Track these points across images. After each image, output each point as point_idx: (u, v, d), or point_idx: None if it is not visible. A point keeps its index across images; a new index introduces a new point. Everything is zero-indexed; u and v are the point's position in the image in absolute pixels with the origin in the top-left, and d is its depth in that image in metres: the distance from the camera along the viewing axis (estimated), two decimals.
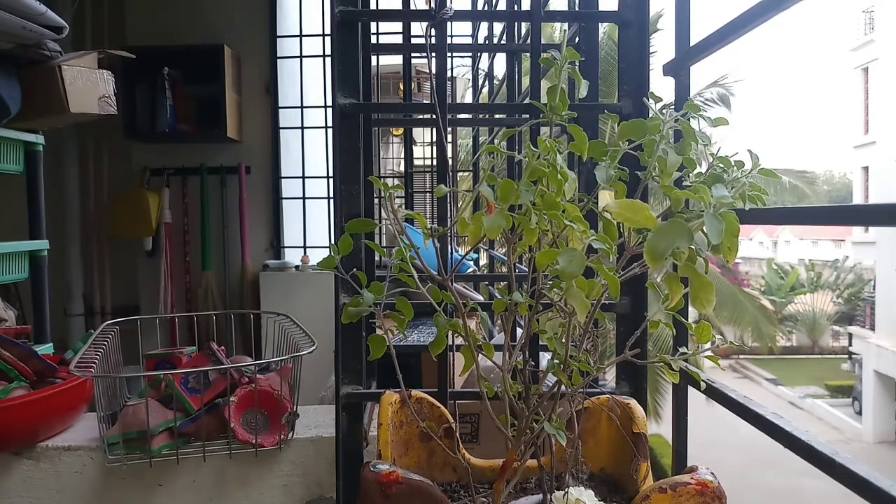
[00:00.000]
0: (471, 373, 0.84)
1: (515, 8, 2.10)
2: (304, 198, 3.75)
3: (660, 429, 9.51)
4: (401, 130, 4.50)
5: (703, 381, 0.92)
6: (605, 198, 0.77)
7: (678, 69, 1.13)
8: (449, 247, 1.38)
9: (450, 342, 0.88)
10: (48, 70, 1.64)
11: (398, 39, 3.10)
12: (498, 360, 0.85)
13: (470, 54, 3.91)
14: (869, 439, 15.65)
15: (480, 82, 3.52)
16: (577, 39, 1.44)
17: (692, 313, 1.00)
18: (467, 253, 1.00)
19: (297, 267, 3.52)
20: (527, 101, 1.18)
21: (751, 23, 0.92)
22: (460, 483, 0.96)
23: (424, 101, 3.59)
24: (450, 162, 2.74)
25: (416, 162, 3.99)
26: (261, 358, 1.55)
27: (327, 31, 3.67)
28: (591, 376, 0.80)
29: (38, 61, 1.64)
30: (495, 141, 2.66)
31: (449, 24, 1.55)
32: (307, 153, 3.75)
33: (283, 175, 3.65)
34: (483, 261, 4.03)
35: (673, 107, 0.94)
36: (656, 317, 0.86)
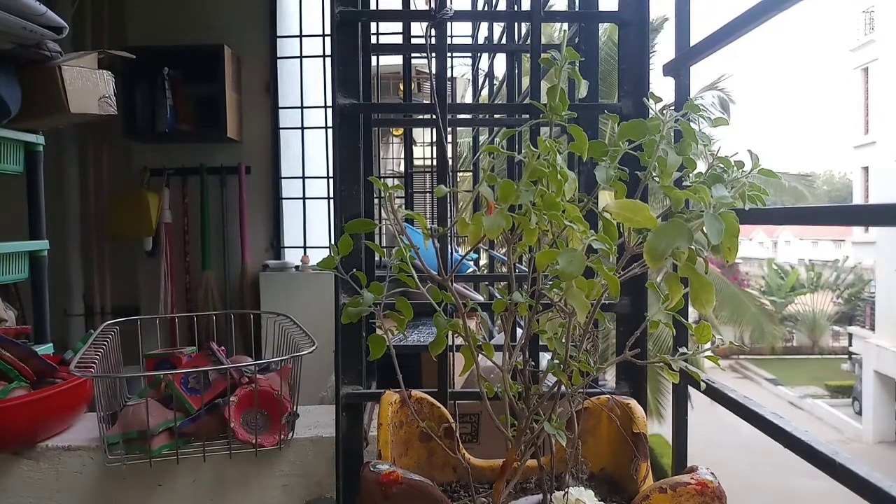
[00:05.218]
0: (471, 373, 0.84)
1: (515, 8, 2.10)
2: (304, 198, 3.75)
3: (660, 429, 9.50)
4: (401, 130, 4.50)
5: (702, 381, 0.92)
6: (605, 198, 0.77)
7: (678, 69, 1.13)
8: (449, 247, 1.38)
9: (450, 342, 0.88)
10: (48, 70, 1.64)
11: (398, 39, 3.10)
12: (498, 360, 0.85)
13: (470, 54, 3.91)
14: (869, 439, 15.64)
15: (480, 82, 3.51)
16: (577, 39, 1.44)
17: (692, 313, 1.00)
18: (467, 253, 1.00)
19: (297, 267, 3.52)
20: (527, 101, 1.18)
21: (751, 23, 0.92)
22: (460, 483, 0.96)
23: (424, 102, 3.59)
24: (450, 162, 2.74)
25: (416, 162, 3.98)
26: (261, 358, 1.55)
27: (327, 31, 3.67)
28: (591, 376, 0.80)
29: (38, 61, 1.64)
30: (495, 141, 2.66)
31: (449, 24, 1.55)
32: (307, 153, 3.75)
33: (283, 175, 3.65)
34: (483, 261, 4.03)
35: (673, 107, 0.94)
36: (656, 317, 0.86)
